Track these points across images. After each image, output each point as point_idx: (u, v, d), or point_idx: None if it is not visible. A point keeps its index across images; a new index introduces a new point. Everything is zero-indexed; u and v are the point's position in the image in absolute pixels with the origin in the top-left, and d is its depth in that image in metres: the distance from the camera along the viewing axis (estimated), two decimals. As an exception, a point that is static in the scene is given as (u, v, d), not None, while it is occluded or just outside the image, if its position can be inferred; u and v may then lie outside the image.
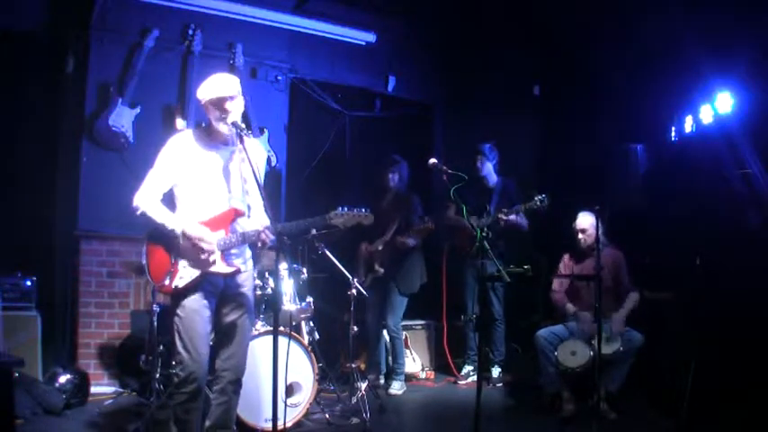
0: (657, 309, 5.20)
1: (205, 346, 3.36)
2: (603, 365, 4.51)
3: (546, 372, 4.91)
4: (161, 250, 3.38)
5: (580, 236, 5.05)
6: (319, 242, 5.00)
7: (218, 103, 3.34)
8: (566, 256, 5.25)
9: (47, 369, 4.82)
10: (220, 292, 3.43)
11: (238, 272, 3.44)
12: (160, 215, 3.34)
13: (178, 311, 3.35)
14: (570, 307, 5.04)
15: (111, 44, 5.49)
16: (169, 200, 3.44)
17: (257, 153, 3.52)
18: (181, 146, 3.41)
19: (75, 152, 5.45)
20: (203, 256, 3.31)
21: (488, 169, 5.91)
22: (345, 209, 3.42)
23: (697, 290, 4.79)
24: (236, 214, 3.41)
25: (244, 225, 3.44)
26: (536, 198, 5.45)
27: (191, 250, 3.31)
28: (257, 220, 3.48)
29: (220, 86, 3.37)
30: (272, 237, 3.30)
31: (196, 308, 3.34)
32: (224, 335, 3.48)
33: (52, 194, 5.53)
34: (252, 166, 3.24)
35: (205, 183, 3.39)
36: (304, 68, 6.55)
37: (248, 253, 3.56)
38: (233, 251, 3.43)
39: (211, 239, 3.32)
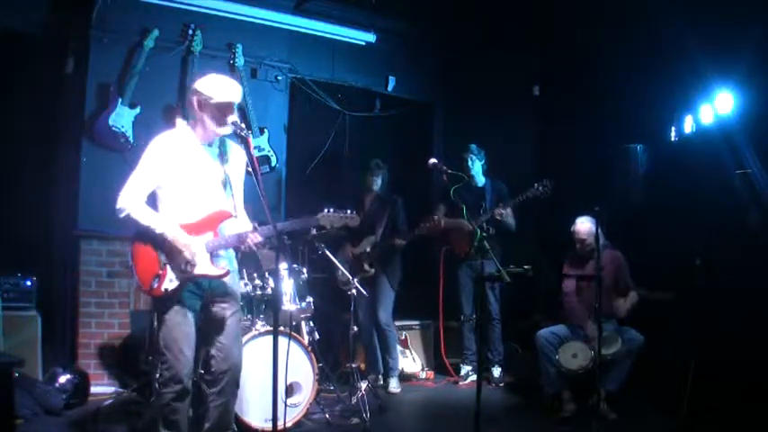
0: (657, 309, 5.19)
1: (190, 346, 3.33)
2: (604, 366, 4.52)
3: (546, 372, 4.90)
4: (149, 253, 3.29)
5: (578, 245, 5.04)
6: (319, 242, 5.02)
7: (224, 108, 3.29)
8: (566, 262, 5.23)
9: (47, 369, 4.81)
10: (206, 292, 3.39)
11: (227, 274, 3.40)
12: (147, 217, 3.26)
13: (163, 313, 3.32)
14: (589, 324, 4.88)
15: (111, 44, 5.48)
16: (151, 200, 3.37)
17: (239, 154, 3.51)
18: (166, 146, 3.33)
19: (75, 152, 5.43)
20: (191, 260, 3.26)
21: (477, 169, 5.91)
22: (332, 210, 3.44)
23: (697, 290, 4.79)
24: (224, 216, 3.37)
25: (231, 227, 3.41)
26: (536, 185, 5.39)
27: (179, 253, 3.26)
28: (242, 222, 3.46)
29: (231, 91, 3.31)
30: (260, 238, 3.29)
31: (181, 310, 3.30)
32: (216, 335, 3.42)
33: (52, 194, 5.52)
34: (251, 164, 3.23)
35: (192, 183, 3.33)
36: (304, 68, 6.54)
37: (232, 252, 3.53)
38: (220, 252, 3.40)
39: (198, 243, 3.28)
